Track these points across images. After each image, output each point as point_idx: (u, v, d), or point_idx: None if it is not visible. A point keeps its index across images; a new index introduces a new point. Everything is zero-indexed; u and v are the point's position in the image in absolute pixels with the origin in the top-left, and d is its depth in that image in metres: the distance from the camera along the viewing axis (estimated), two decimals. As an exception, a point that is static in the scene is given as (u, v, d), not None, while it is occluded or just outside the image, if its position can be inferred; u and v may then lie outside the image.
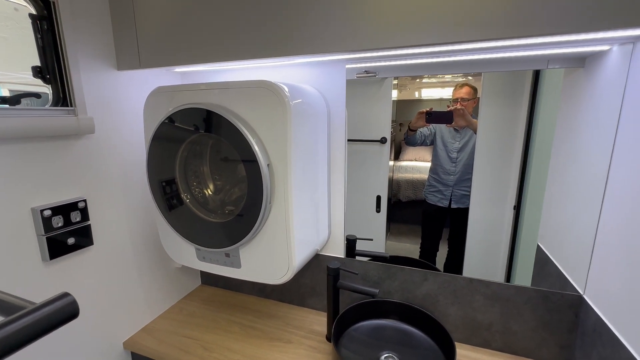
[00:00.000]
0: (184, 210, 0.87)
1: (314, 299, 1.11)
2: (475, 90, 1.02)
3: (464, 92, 1.03)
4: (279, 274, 0.81)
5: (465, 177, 1.11)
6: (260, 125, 0.74)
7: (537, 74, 1.08)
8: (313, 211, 0.90)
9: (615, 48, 0.70)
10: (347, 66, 0.93)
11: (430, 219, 1.16)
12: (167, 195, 0.87)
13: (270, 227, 0.78)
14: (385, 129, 1.10)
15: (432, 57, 0.87)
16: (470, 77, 1.03)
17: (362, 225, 1.15)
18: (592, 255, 0.77)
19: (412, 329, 0.93)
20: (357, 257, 1.06)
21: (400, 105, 1.15)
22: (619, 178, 0.69)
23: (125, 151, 0.94)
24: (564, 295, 0.82)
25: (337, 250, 1.06)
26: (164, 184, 0.87)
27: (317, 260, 1.07)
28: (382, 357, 0.84)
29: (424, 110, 1.07)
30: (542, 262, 1.01)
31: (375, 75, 0.99)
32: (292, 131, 0.72)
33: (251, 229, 0.76)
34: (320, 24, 0.69)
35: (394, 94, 1.07)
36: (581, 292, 0.80)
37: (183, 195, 0.86)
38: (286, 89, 0.72)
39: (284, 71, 1.00)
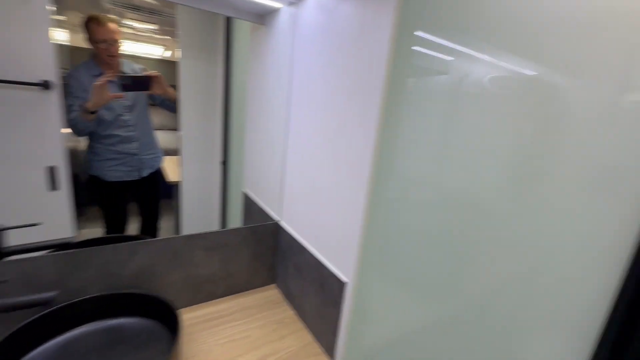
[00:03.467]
0: None
1: None
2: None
3: (111, 30, 0.81)
4: None
5: (148, 139, 0.96)
6: None
7: (228, 31, 1.12)
8: None
9: (285, 8, 0.83)
10: None
11: (114, 199, 0.94)
12: None
13: None
14: (47, 69, 0.72)
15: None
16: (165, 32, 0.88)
17: (24, 209, 0.74)
18: (281, 190, 0.94)
19: (124, 320, 0.73)
20: (14, 257, 0.66)
21: (76, 55, 0.82)
22: (294, 127, 0.85)
23: None
24: (266, 225, 0.95)
25: (-41, 257, 0.61)
26: None
27: None
28: (80, 378, 0.59)
29: (110, 75, 0.78)
30: (249, 205, 1.13)
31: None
32: None
33: None
34: None
35: (64, 37, 0.73)
36: (278, 220, 0.96)
37: None
38: None
39: None
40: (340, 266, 0.69)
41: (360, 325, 0.68)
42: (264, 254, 0.96)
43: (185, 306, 0.86)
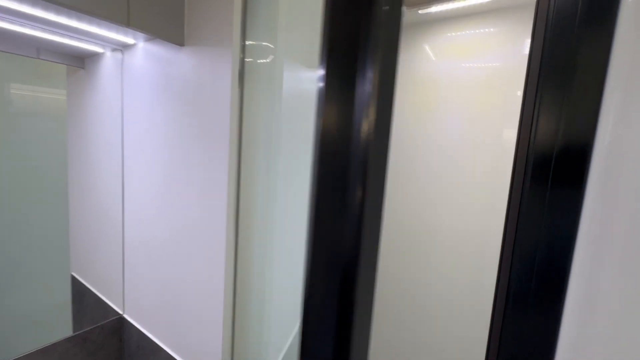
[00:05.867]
0: None
1: None
2: None
3: None
4: None
5: None
6: None
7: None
8: None
9: (108, 53, 0.68)
10: None
11: None
12: None
13: None
14: None
15: None
16: None
17: None
18: (124, 272, 0.73)
19: None
20: None
21: None
22: (132, 190, 0.68)
23: None
24: (104, 326, 0.72)
25: None
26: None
27: None
28: None
29: None
30: (81, 293, 0.85)
31: None
32: None
33: None
34: None
35: None
36: (122, 313, 0.74)
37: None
38: None
39: None
40: (206, 368, 0.56)
41: None
42: (103, 365, 0.72)
43: None
